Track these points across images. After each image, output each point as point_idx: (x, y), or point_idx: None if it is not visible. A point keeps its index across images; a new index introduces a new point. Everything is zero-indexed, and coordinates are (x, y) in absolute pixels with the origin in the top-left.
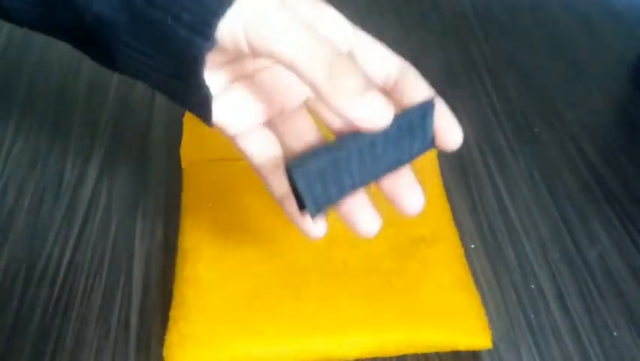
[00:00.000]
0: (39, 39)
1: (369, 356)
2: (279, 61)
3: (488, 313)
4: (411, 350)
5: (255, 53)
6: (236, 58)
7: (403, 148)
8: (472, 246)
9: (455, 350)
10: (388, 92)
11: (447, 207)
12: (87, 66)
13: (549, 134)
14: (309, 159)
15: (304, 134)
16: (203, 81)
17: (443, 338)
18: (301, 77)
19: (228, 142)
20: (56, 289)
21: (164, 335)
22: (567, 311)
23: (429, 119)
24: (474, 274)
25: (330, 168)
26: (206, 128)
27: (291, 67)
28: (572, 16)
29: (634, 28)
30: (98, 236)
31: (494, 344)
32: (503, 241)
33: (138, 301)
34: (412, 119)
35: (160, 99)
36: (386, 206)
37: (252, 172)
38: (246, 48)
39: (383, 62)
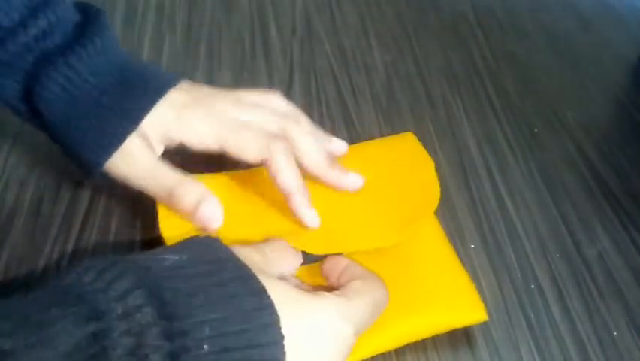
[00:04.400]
0: None
1: (369, 355)
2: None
3: (488, 314)
4: (410, 339)
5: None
6: None
7: None
8: (472, 246)
9: (453, 328)
10: None
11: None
12: None
13: (549, 134)
14: None
15: None
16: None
17: (438, 319)
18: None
19: None
20: None
21: None
22: (567, 311)
23: None
24: (474, 274)
25: None
26: None
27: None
28: (572, 16)
29: (634, 28)
30: (98, 236)
31: (494, 344)
32: (503, 241)
33: None
34: None
35: None
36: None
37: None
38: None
39: None
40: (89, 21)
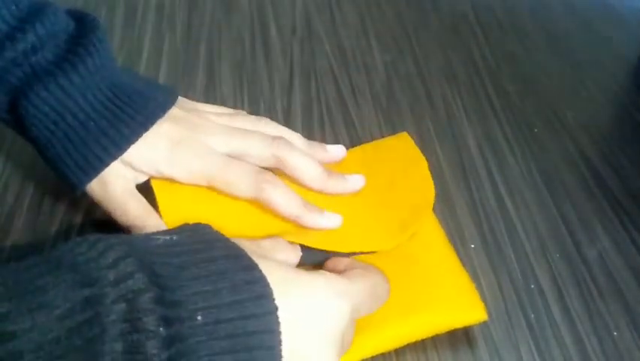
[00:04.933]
0: None
1: (369, 355)
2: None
3: (488, 314)
4: (410, 339)
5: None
6: None
7: None
8: (472, 246)
9: (453, 328)
10: None
11: (428, 194)
12: None
13: (549, 134)
14: None
15: None
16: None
17: (438, 318)
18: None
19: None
20: None
21: None
22: (567, 311)
23: None
24: (474, 274)
25: None
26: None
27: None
28: (572, 16)
29: (634, 28)
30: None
31: (494, 344)
32: (503, 241)
33: None
34: None
35: None
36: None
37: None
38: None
39: None
40: (83, 34)
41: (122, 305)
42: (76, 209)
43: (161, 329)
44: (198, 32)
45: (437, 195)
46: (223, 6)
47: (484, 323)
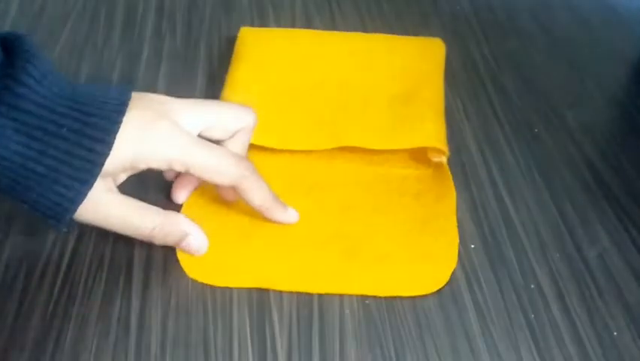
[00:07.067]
0: (39, 38)
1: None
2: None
3: (488, 314)
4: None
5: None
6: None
7: None
8: (472, 246)
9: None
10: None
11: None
12: (87, 65)
13: (549, 134)
14: None
15: None
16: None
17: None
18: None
19: None
20: (56, 290)
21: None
22: (567, 311)
23: None
24: (474, 274)
25: None
26: None
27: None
28: (572, 16)
29: (634, 28)
30: (97, 236)
31: (494, 344)
32: (503, 241)
33: (138, 301)
34: None
35: None
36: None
37: None
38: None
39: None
40: (14, 54)
41: None
42: None
43: None
44: (198, 32)
45: None
46: (223, 6)
47: (484, 322)
